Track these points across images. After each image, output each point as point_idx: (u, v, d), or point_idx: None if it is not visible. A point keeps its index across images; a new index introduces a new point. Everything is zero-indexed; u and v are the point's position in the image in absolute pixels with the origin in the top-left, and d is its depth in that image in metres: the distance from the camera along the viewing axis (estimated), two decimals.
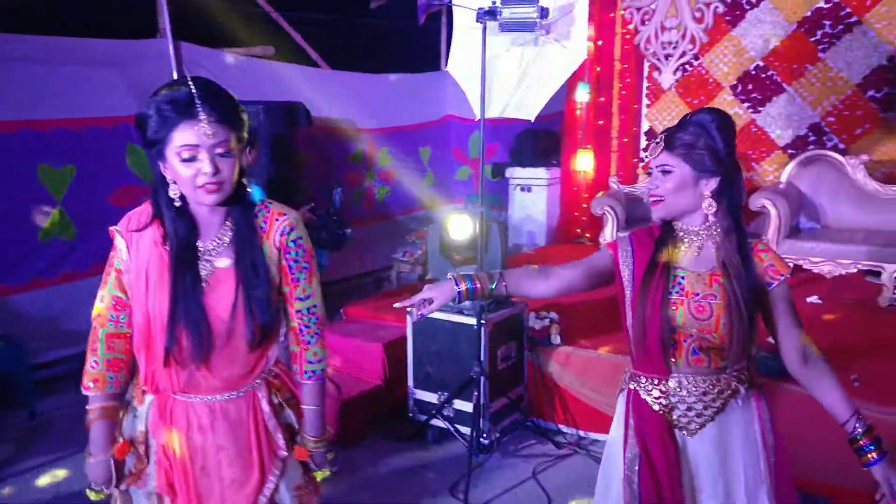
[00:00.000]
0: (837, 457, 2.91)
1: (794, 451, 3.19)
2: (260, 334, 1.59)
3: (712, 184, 1.63)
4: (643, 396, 1.74)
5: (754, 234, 5.52)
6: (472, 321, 3.40)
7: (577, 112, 6.50)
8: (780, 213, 4.51)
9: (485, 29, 3.17)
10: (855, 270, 4.47)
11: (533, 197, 6.80)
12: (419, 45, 7.63)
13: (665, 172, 1.65)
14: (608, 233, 4.95)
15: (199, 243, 1.59)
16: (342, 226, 3.86)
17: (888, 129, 5.20)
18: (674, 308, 1.66)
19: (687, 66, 5.95)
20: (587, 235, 6.63)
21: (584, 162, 6.55)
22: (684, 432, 1.72)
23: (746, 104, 5.68)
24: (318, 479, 1.77)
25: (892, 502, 1.52)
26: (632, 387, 1.78)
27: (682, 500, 1.70)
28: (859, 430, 1.58)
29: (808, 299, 4.44)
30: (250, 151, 4.88)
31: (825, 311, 4.26)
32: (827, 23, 5.30)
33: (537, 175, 6.78)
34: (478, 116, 3.32)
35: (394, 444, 3.62)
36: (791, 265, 1.58)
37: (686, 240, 1.70)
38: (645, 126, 6.22)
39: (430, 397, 3.64)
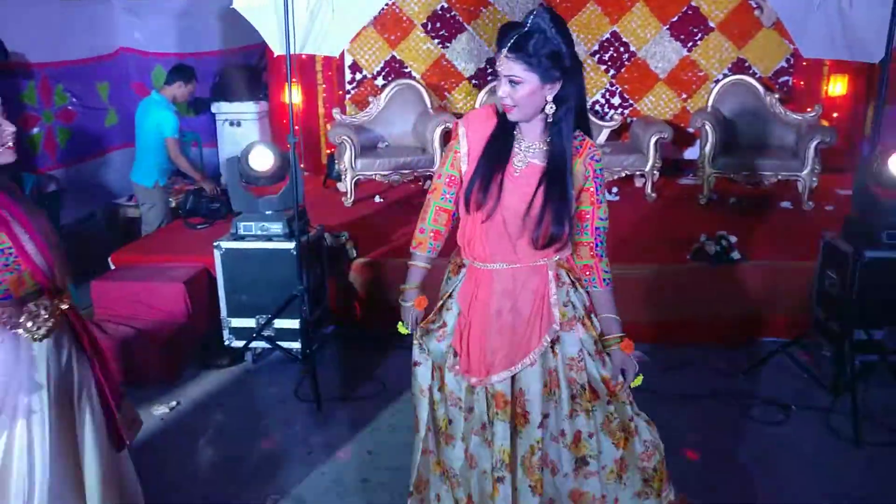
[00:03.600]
0: None
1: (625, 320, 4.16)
2: (545, 240, 1.87)
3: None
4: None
5: None
6: (288, 245, 3.67)
7: None
8: None
9: None
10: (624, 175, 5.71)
11: (243, 131, 6.85)
12: None
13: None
14: (346, 160, 5.44)
15: (520, 143, 1.91)
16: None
17: None
18: None
19: (383, 6, 6.56)
20: (301, 167, 7.00)
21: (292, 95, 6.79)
22: None
23: (436, 40, 6.56)
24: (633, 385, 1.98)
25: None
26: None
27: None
28: None
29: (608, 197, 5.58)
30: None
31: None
32: None
33: (246, 109, 6.84)
34: (278, 52, 3.45)
35: (219, 372, 3.77)
36: None
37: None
38: (349, 60, 6.72)
39: (247, 322, 3.83)
